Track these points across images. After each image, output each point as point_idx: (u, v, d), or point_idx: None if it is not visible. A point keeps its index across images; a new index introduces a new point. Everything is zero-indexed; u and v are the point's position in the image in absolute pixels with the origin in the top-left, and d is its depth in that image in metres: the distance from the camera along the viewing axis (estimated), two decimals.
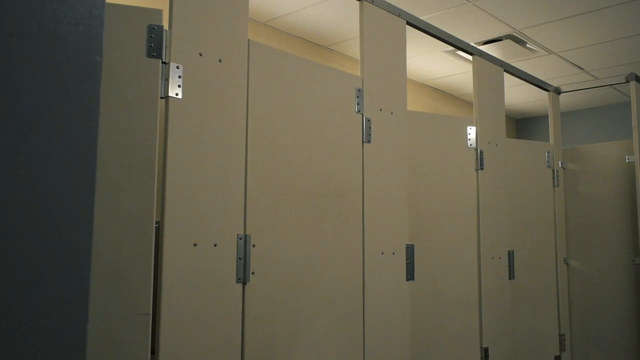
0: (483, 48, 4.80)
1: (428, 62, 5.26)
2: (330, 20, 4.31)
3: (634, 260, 3.78)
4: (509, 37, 4.59)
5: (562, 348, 3.83)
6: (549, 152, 3.91)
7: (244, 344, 2.04)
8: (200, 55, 2.02)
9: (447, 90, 6.20)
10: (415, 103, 5.81)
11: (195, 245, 1.93)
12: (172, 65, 1.93)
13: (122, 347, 1.77)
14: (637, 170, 3.71)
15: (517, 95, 6.36)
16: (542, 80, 3.96)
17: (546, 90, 4.04)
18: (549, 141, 4.04)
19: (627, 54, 4.99)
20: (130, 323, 1.78)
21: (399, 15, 2.84)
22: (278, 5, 4.05)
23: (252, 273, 2.09)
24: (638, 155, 3.72)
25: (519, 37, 4.58)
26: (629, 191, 3.81)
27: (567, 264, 4.00)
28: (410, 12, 3.99)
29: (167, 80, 1.92)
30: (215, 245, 1.99)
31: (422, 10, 4.08)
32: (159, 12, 1.93)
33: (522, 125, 7.44)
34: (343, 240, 2.44)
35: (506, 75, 4.87)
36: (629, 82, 3.77)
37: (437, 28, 3.08)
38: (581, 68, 5.35)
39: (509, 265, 3.41)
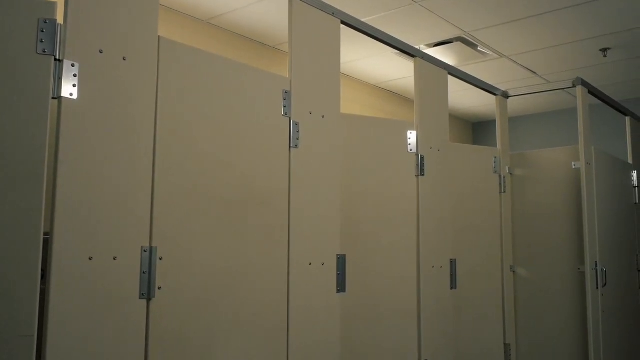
0: (434, 51, 4.72)
1: (381, 63, 5.16)
2: (276, 19, 4.17)
3: (579, 268, 3.72)
4: (459, 39, 4.51)
5: (507, 358, 3.75)
6: (495, 158, 3.83)
7: None
8: (101, 52, 1.86)
9: (402, 93, 6.11)
10: (368, 106, 5.71)
11: (90, 259, 1.77)
12: (67, 63, 1.77)
13: None
14: (583, 177, 3.65)
15: (473, 98, 6.30)
16: (489, 84, 3.88)
17: (494, 94, 3.96)
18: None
19: (581, 58, 4.96)
20: (11, 345, 1.62)
21: (333, 14, 2.71)
22: (220, 2, 3.89)
23: (159, 288, 1.94)
24: (584, 161, 3.66)
25: (469, 39, 4.51)
26: (575, 198, 3.75)
27: (513, 271, 3.93)
28: (354, 13, 3.88)
29: (60, 79, 1.75)
30: (115, 259, 1.83)
31: (367, 11, 3.97)
32: (51, 5, 1.77)
33: (479, 128, 7.41)
34: (266, 251, 2.30)
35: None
36: (576, 86, 3.71)
37: (374, 28, 2.97)
38: (534, 72, 5.31)
39: (451, 275, 3.31)
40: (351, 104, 5.50)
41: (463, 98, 6.25)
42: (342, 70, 5.36)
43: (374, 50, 4.79)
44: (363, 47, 4.73)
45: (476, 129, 7.43)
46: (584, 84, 3.75)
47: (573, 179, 3.78)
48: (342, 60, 5.07)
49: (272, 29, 4.34)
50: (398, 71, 5.37)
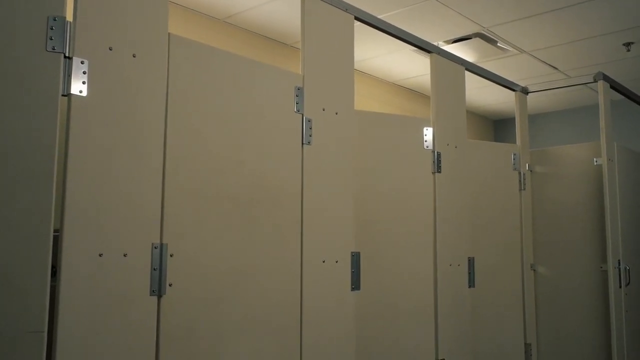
0: (452, 47, 4.66)
1: (400, 60, 5.12)
2: (292, 17, 4.16)
3: (601, 267, 3.64)
4: (478, 35, 4.45)
5: (528, 357, 3.69)
6: (515, 154, 3.77)
7: None
8: (110, 49, 1.86)
9: (421, 90, 6.06)
10: (386, 103, 5.67)
11: (100, 255, 1.77)
12: (76, 60, 1.77)
13: None
14: (605, 173, 3.57)
15: (494, 95, 6.23)
16: (508, 80, 3.82)
17: (513, 90, 3.90)
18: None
19: (603, 53, 4.86)
20: (21, 342, 1.63)
21: (347, 10, 2.69)
22: (236, 0, 3.89)
23: (170, 285, 1.94)
24: (605, 157, 3.58)
25: (489, 35, 4.45)
26: (597, 195, 3.68)
27: (533, 270, 3.86)
28: (371, 10, 3.85)
29: (69, 76, 1.76)
30: (125, 255, 1.83)
31: (384, 7, 3.94)
32: (60, 2, 1.77)
33: (500, 126, 7.31)
34: (278, 248, 2.29)
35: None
36: (597, 81, 3.64)
37: (389, 24, 2.94)
38: (555, 68, 5.22)
39: (469, 273, 3.26)
40: (369, 101, 5.47)
41: (483, 95, 6.18)
42: (359, 68, 5.33)
43: (392, 47, 4.76)
44: (381, 45, 4.69)
45: (497, 127, 7.34)
46: (606, 78, 3.67)
47: (595, 175, 3.71)
48: (359, 58, 5.04)
49: (288, 26, 4.33)
50: (416, 68, 5.32)
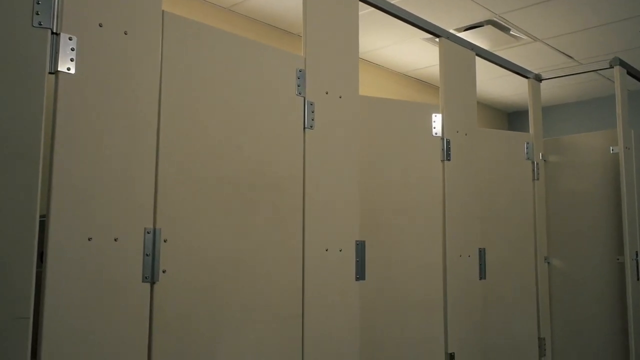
0: (463, 35, 4.55)
1: (409, 50, 5.01)
2: (299, 5, 4.08)
3: (618, 259, 3.52)
4: (490, 22, 4.33)
5: (542, 353, 3.58)
6: (528, 143, 3.66)
7: (152, 352, 1.81)
8: (100, 25, 1.79)
9: (432, 82, 5.95)
10: (396, 94, 5.57)
11: (89, 239, 1.70)
12: (64, 37, 1.70)
13: None
14: (622, 162, 3.45)
15: (508, 86, 6.09)
16: (520, 67, 3.71)
17: (526, 77, 3.79)
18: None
19: (621, 40, 4.72)
20: (6, 328, 1.56)
21: None
22: None
23: (163, 271, 1.86)
24: (622, 145, 3.46)
25: (501, 22, 4.33)
26: (613, 184, 3.55)
27: (548, 262, 3.75)
28: None
29: (57, 53, 1.69)
30: (115, 240, 1.76)
31: None
32: None
33: (515, 118, 7.17)
34: (278, 236, 2.21)
35: (493, 65, 4.59)
36: (613, 67, 3.52)
37: (395, 6, 2.84)
38: (570, 57, 5.09)
39: (480, 264, 3.16)
40: (377, 92, 5.37)
41: (496, 86, 6.06)
42: (368, 58, 5.24)
43: (401, 36, 4.65)
44: (390, 34, 4.59)
45: (512, 119, 7.20)
46: (622, 64, 3.55)
47: (611, 164, 3.58)
48: (368, 48, 4.94)
49: (295, 15, 4.24)
50: (427, 58, 5.22)
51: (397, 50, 4.99)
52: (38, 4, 1.68)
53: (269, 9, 4.14)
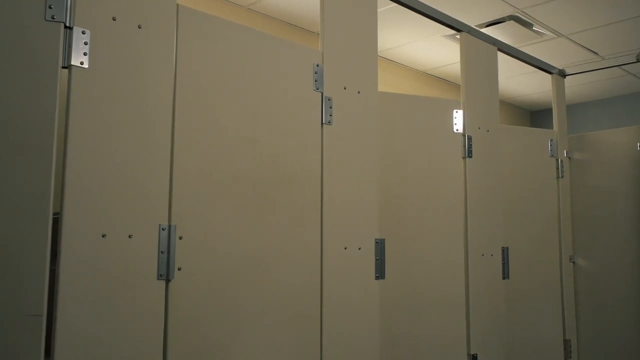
0: (485, 31, 4.47)
1: (430, 48, 4.94)
2: (317, 3, 4.04)
3: None
4: (512, 18, 4.25)
5: (567, 355, 3.48)
6: (552, 140, 3.57)
7: (167, 350, 1.78)
8: (114, 19, 1.76)
9: (453, 80, 5.87)
10: (417, 93, 5.50)
11: (104, 236, 1.68)
12: (77, 30, 1.68)
13: (9, 352, 1.53)
14: None
15: (531, 83, 5.99)
16: (544, 62, 3.63)
17: (549, 72, 3.70)
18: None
19: None
20: (19, 325, 1.54)
21: None
22: None
23: (178, 269, 1.83)
24: None
25: (523, 18, 4.24)
26: None
27: (573, 262, 3.65)
28: None
29: (70, 47, 1.67)
30: (130, 237, 1.73)
31: None
32: None
33: (538, 117, 7.05)
34: (296, 233, 2.16)
35: (516, 62, 4.51)
36: (639, 61, 3.42)
37: (415, 0, 2.79)
38: (595, 53, 4.98)
39: (503, 263, 3.09)
40: (398, 90, 5.31)
41: (519, 83, 5.96)
42: (387, 56, 5.18)
43: (421, 33, 4.59)
44: (410, 31, 4.53)
45: (535, 118, 7.08)
46: None
47: (638, 161, 3.48)
48: (387, 46, 4.88)
49: (314, 14, 4.21)
50: (448, 56, 5.14)
51: (418, 47, 4.93)
52: None
53: (287, 8, 4.11)
